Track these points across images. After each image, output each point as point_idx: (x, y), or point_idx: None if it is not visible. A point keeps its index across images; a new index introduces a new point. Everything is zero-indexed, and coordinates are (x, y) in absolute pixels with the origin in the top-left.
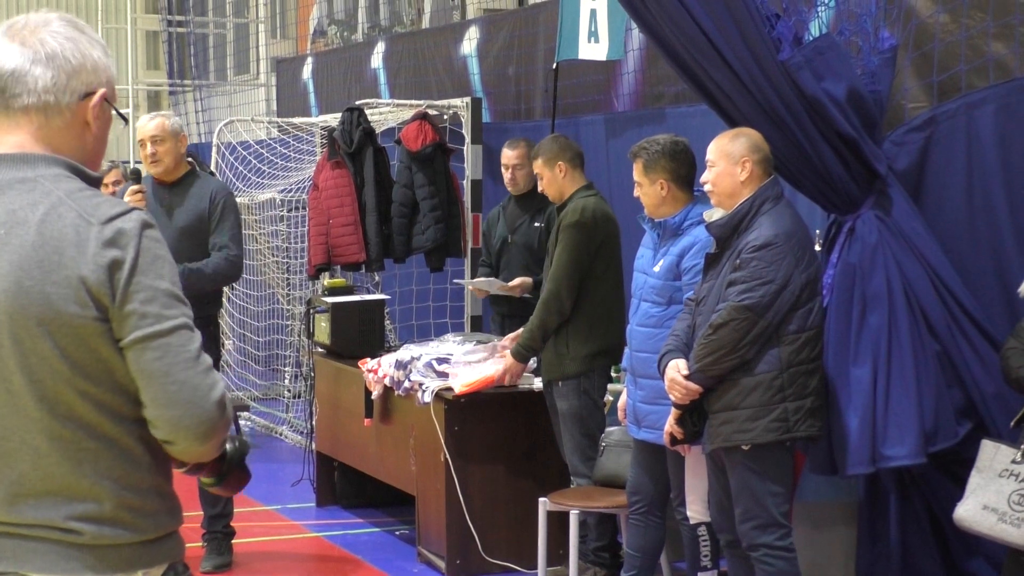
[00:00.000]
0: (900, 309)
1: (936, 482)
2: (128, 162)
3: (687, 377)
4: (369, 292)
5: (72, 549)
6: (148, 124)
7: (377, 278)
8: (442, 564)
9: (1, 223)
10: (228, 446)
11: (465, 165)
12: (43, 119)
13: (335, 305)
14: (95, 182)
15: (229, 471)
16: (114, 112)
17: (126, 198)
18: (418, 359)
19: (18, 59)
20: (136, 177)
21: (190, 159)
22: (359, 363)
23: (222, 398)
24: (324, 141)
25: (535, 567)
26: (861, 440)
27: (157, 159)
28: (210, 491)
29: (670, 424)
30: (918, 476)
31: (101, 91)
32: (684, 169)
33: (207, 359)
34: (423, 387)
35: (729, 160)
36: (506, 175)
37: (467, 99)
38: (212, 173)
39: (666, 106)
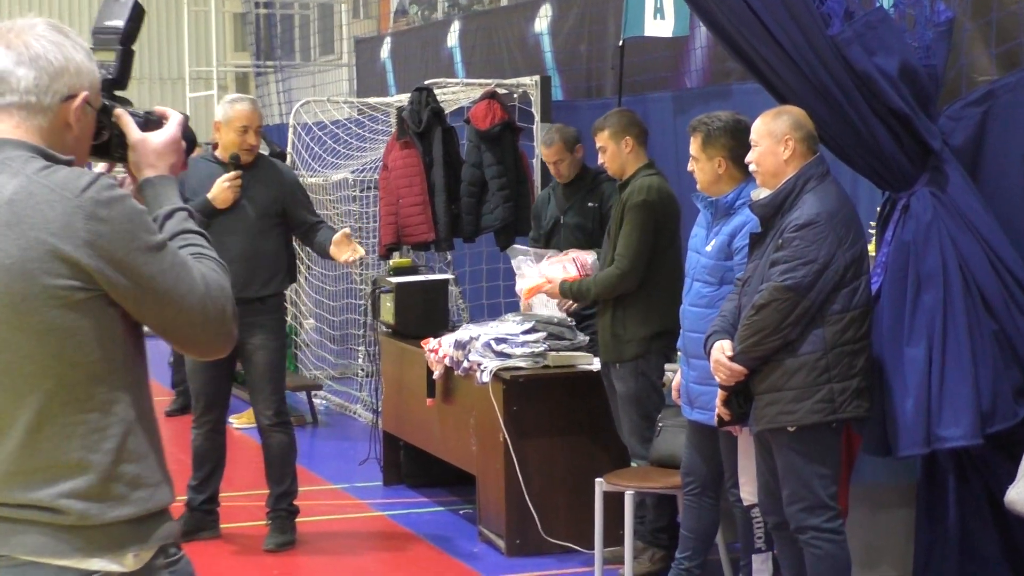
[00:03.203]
0: (955, 287)
1: (995, 464)
2: (211, 144)
3: (731, 358)
4: (441, 272)
5: (60, 531)
6: (251, 111)
7: (449, 257)
8: (502, 544)
9: None
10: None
11: (534, 143)
12: (24, 115)
13: (399, 285)
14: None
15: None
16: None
17: (224, 183)
18: (476, 339)
19: (3, 61)
20: (236, 162)
21: None
22: (422, 343)
23: (208, 289)
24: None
25: (594, 547)
26: (916, 421)
27: (253, 147)
28: None
29: (718, 405)
30: (976, 458)
31: (83, 94)
32: (744, 149)
33: (182, 259)
34: (481, 367)
35: (772, 139)
36: (551, 169)
37: (536, 77)
38: (283, 153)
39: (733, 82)
